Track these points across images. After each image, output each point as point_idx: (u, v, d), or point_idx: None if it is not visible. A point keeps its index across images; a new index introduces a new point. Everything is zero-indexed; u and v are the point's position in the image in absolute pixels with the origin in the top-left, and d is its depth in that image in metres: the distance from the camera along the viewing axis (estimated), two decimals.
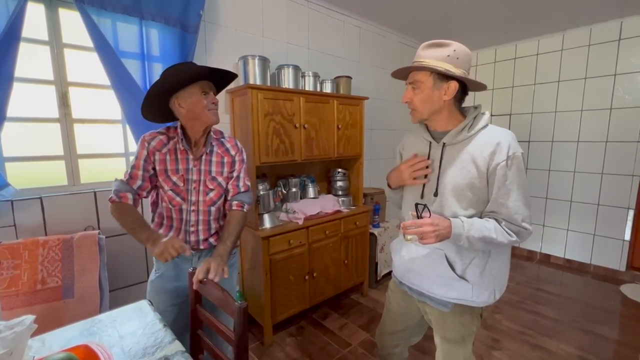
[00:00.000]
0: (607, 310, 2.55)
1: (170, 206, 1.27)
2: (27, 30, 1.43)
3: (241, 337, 0.96)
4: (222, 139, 1.36)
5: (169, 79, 1.17)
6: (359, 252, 2.61)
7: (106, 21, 1.58)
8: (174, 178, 1.25)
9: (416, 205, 0.98)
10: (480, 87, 1.04)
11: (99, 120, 1.79)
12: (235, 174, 1.36)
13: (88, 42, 1.56)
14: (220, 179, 1.32)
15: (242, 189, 1.37)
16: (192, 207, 1.28)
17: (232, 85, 2.15)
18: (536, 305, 2.60)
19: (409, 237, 0.97)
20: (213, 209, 1.33)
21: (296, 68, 2.20)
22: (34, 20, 1.53)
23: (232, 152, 1.36)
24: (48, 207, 1.59)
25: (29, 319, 0.83)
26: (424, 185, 1.10)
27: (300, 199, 2.42)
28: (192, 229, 1.29)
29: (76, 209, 1.67)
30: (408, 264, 1.16)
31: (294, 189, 2.39)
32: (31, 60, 1.55)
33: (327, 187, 2.77)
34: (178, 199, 1.26)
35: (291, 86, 2.19)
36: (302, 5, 2.51)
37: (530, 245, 3.72)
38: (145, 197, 1.28)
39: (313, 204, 2.36)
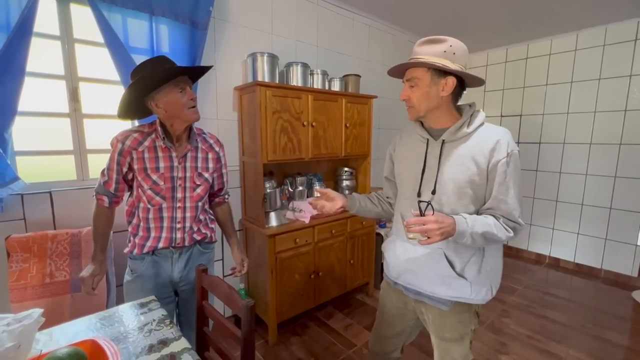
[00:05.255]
0: (617, 316, 2.49)
1: (149, 206, 1.23)
2: (38, 25, 1.43)
3: (248, 336, 0.95)
4: (204, 135, 1.37)
5: (141, 83, 1.12)
6: (365, 252, 2.59)
7: (117, 17, 1.58)
8: (154, 177, 1.22)
9: (419, 202, 0.95)
10: (478, 81, 1.03)
11: (109, 115, 1.80)
12: (223, 170, 1.45)
13: (99, 37, 1.57)
14: (206, 174, 1.34)
15: (227, 184, 1.51)
16: (179, 204, 1.27)
17: (240, 83, 2.17)
18: (545, 310, 2.56)
19: (411, 235, 0.93)
20: (200, 204, 1.33)
21: (305, 66, 2.19)
22: (46, 15, 1.53)
23: (216, 148, 1.39)
24: (57, 202, 1.60)
25: (36, 312, 0.83)
26: (420, 183, 1.08)
27: (307, 197, 2.41)
28: (178, 225, 1.28)
29: (85, 204, 1.66)
30: (405, 263, 1.13)
31: (300, 188, 2.37)
32: (42, 55, 1.56)
33: (334, 186, 2.75)
34: (157, 198, 1.23)
35: (299, 84, 2.17)
36: (311, 2, 2.50)
37: (539, 248, 3.66)
38: (128, 191, 1.30)
39: None
